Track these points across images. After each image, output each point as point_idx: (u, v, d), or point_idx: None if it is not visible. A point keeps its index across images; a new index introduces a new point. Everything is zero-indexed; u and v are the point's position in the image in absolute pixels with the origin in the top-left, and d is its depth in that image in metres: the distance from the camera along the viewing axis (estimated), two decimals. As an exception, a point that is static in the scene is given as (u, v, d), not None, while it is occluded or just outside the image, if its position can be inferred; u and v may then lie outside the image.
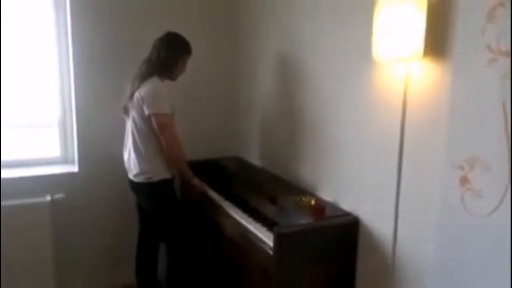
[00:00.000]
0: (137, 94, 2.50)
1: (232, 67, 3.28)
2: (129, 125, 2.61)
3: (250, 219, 2.34)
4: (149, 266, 2.82)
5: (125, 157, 2.67)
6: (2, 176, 2.75)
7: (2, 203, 2.67)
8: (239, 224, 2.35)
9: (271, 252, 2.03)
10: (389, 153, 1.93)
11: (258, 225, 2.25)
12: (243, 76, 3.22)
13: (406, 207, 1.91)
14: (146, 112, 2.47)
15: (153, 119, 2.47)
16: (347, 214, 2.19)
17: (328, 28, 2.30)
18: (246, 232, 2.27)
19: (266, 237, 2.11)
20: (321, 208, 2.15)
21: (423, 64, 1.76)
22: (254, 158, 3.13)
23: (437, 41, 1.69)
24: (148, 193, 2.63)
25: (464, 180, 1.58)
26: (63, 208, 2.86)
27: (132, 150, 2.59)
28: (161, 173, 2.57)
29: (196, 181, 2.69)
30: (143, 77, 2.51)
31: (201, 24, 3.09)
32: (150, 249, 2.82)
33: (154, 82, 2.50)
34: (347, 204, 2.23)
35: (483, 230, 1.54)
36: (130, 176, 2.64)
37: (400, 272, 1.95)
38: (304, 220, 2.12)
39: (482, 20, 1.48)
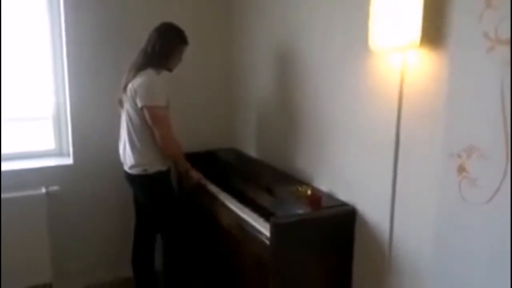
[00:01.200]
0: (130, 86, 2.48)
1: (228, 58, 3.26)
2: (123, 117, 2.60)
3: (246, 210, 2.33)
4: (146, 258, 2.81)
5: (120, 149, 2.66)
6: (-3, 168, 2.74)
7: (-3, 195, 2.66)
8: (235, 215, 2.34)
9: (267, 242, 2.03)
10: (386, 143, 1.93)
11: (255, 216, 2.25)
12: (239, 68, 3.20)
13: (403, 197, 1.90)
14: (139, 104, 2.45)
15: (145, 111, 2.45)
16: (344, 204, 2.19)
17: (324, 18, 2.28)
18: (242, 223, 2.27)
19: (263, 228, 2.11)
20: (317, 199, 2.15)
21: (419, 53, 1.75)
22: (251, 150, 3.12)
23: (434, 29, 1.68)
24: (144, 185, 2.62)
25: (461, 169, 1.58)
26: (58, 200, 2.85)
27: (127, 142, 2.57)
28: (156, 165, 2.56)
29: (194, 173, 2.68)
30: (138, 69, 2.49)
31: (196, 16, 3.07)
32: (147, 241, 2.82)
33: (148, 74, 2.48)
34: (344, 195, 2.22)
35: (480, 218, 1.54)
36: (126, 168, 2.63)
37: (397, 261, 1.96)
38: (301, 210, 2.11)
39: (480, 7, 1.47)
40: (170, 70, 2.60)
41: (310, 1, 2.38)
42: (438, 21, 1.66)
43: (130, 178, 2.63)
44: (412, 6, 1.64)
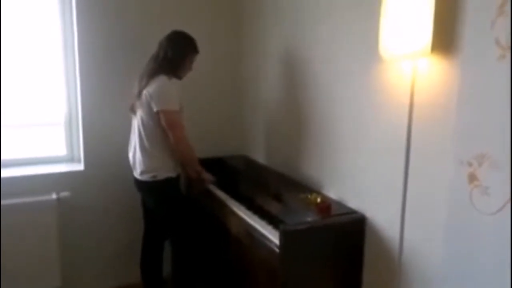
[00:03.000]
0: (145, 92, 2.50)
1: (238, 65, 3.28)
2: (135, 123, 2.61)
3: (255, 217, 2.32)
4: (154, 264, 2.82)
5: (130, 155, 2.68)
6: (8, 174, 2.77)
7: (8, 201, 2.68)
8: (244, 222, 2.34)
9: (276, 250, 2.02)
10: (396, 151, 1.92)
11: (264, 223, 2.24)
12: (249, 75, 3.21)
13: (413, 205, 1.89)
14: (155, 109, 2.47)
15: (161, 116, 2.47)
16: (354, 212, 2.18)
17: (333, 25, 2.28)
18: (251, 230, 2.26)
19: (272, 235, 2.10)
20: (327, 206, 2.14)
21: (430, 60, 1.74)
22: (260, 157, 3.12)
23: (445, 37, 1.67)
24: (153, 191, 2.63)
25: (472, 177, 1.56)
26: (69, 206, 2.87)
27: (138, 148, 2.59)
28: (166, 171, 2.57)
29: (206, 175, 2.70)
30: (151, 75, 2.51)
31: (206, 23, 3.09)
32: (155, 247, 2.82)
33: (162, 80, 2.50)
34: (354, 202, 2.21)
35: (491, 227, 1.52)
36: (135, 174, 2.64)
37: (407, 270, 1.94)
38: (310, 218, 2.10)
39: (492, 14, 1.46)
40: (179, 78, 2.62)
41: (320, 8, 2.39)
42: (450, 29, 1.66)
43: (140, 184, 2.65)
44: (423, 13, 1.64)
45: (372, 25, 1.90)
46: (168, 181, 2.57)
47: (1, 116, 2.81)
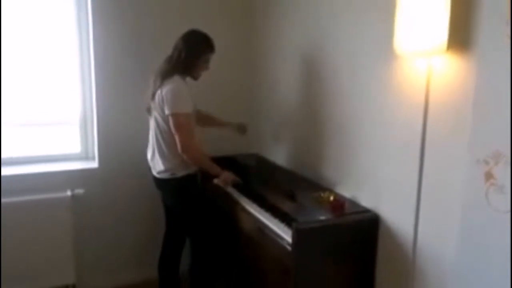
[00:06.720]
0: (159, 93, 2.49)
1: (251, 64, 3.28)
2: (152, 125, 2.62)
3: (268, 215, 2.32)
4: (173, 261, 2.81)
5: (149, 155, 2.67)
6: (24, 171, 2.82)
7: (23, 197, 2.72)
8: (257, 220, 2.34)
9: (289, 248, 2.02)
10: (411, 149, 1.91)
11: (276, 221, 2.24)
12: (262, 73, 3.21)
13: (427, 204, 1.88)
14: (166, 112, 2.46)
15: (171, 119, 2.46)
16: (367, 210, 2.17)
17: (349, 22, 2.27)
18: (264, 228, 2.26)
19: (285, 233, 2.10)
20: (340, 204, 2.14)
21: (446, 57, 1.73)
22: (272, 155, 3.11)
23: (461, 34, 1.66)
24: (172, 188, 2.62)
25: (488, 175, 1.55)
26: (83, 203, 2.89)
27: (155, 149, 2.59)
28: (184, 169, 2.55)
29: (226, 175, 2.63)
30: (165, 76, 2.50)
31: (220, 21, 3.10)
32: (175, 244, 2.82)
33: (175, 82, 2.48)
34: (367, 201, 2.20)
35: (506, 225, 1.50)
36: (154, 173, 2.65)
37: (421, 268, 1.92)
38: (323, 216, 2.10)
39: (507, 11, 1.45)
40: (195, 78, 2.61)
41: (335, 5, 2.38)
42: (465, 26, 1.65)
43: (158, 182, 2.65)
44: (438, 10, 1.63)
45: (387, 22, 1.89)
46: (186, 178, 2.57)
47: (1, 114, 2.83)
